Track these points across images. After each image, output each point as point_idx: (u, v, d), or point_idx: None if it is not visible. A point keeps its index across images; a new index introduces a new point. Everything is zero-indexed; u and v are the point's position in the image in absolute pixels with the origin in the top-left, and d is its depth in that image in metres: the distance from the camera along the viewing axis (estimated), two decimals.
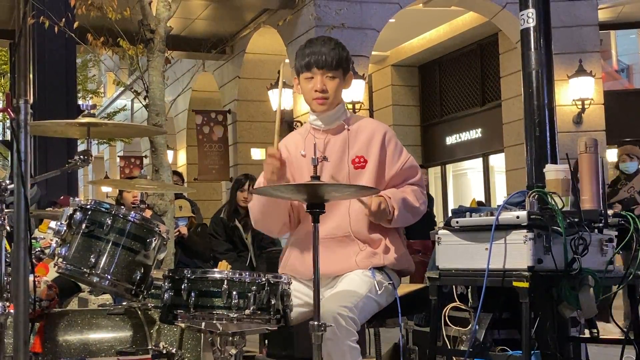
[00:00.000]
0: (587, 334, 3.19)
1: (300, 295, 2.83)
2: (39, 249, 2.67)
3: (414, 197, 2.91)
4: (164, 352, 3.00)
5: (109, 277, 2.61)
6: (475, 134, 13.47)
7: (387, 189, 2.94)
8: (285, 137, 3.17)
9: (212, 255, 6.05)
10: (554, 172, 2.87)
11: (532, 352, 2.67)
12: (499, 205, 2.80)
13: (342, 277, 2.85)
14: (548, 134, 3.50)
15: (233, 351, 2.48)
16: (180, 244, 6.35)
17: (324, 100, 2.93)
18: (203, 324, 2.50)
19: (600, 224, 2.78)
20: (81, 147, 2.92)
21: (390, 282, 2.84)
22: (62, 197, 6.31)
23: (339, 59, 2.92)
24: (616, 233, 2.87)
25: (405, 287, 3.07)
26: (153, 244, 2.69)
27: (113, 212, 2.66)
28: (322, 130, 2.99)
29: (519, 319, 2.63)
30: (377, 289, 2.77)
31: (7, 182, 2.47)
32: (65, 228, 2.62)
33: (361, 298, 2.70)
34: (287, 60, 10.95)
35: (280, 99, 3.08)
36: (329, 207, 2.86)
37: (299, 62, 2.95)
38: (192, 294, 2.40)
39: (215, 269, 2.64)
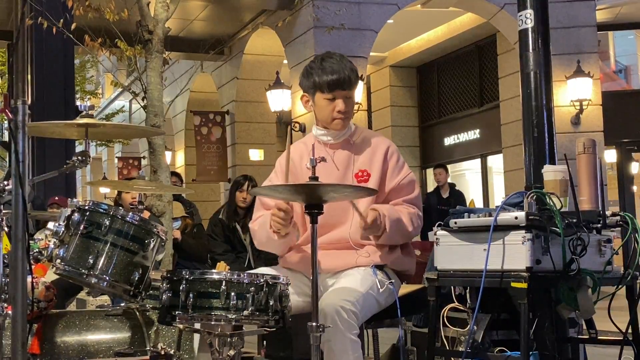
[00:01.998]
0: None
1: (298, 283, 2.85)
2: (37, 250, 2.67)
3: (408, 220, 2.90)
4: (162, 353, 3.00)
5: (107, 278, 2.61)
6: (473, 134, 13.48)
7: (384, 202, 2.94)
8: (288, 149, 3.17)
9: (210, 256, 6.04)
10: (552, 173, 2.87)
11: (531, 352, 2.67)
12: (497, 206, 2.80)
13: (343, 273, 2.86)
14: (546, 134, 3.50)
15: (231, 352, 2.48)
16: (175, 247, 6.34)
17: (346, 121, 2.96)
18: (201, 325, 2.50)
19: (599, 225, 2.78)
20: (79, 148, 2.93)
21: (391, 281, 2.85)
22: (57, 198, 6.31)
23: (356, 78, 2.94)
24: (614, 234, 2.88)
25: (404, 288, 3.07)
26: (151, 245, 2.69)
27: (111, 213, 2.66)
28: (328, 144, 3.00)
29: (518, 319, 2.63)
30: (379, 287, 2.78)
31: (5, 182, 2.47)
32: (63, 229, 2.62)
33: (362, 294, 2.71)
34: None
35: (287, 167, 2.89)
36: (332, 219, 2.87)
37: (316, 79, 2.90)
38: (190, 295, 2.40)
39: (213, 270, 2.63)
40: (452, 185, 10.92)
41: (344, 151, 2.98)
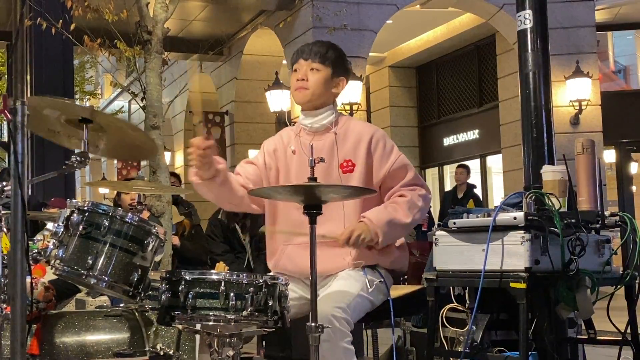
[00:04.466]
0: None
1: (293, 288, 2.83)
2: (36, 250, 2.66)
3: (404, 212, 2.82)
4: (162, 353, 3.00)
5: (107, 278, 2.60)
6: (472, 135, 13.48)
7: (381, 192, 2.91)
8: (281, 130, 3.17)
9: (209, 256, 6.03)
10: (551, 173, 2.88)
11: (530, 353, 2.67)
12: (496, 206, 2.80)
13: (334, 277, 2.85)
14: (545, 135, 3.50)
15: (230, 353, 2.48)
16: (175, 252, 6.28)
17: (303, 90, 2.90)
18: (200, 325, 2.50)
19: (598, 225, 2.79)
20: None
21: (382, 280, 2.83)
22: (52, 199, 6.30)
23: (326, 53, 2.90)
24: (613, 234, 2.88)
25: (403, 288, 3.07)
26: (150, 246, 2.69)
27: (110, 213, 2.65)
28: (309, 132, 2.96)
29: (517, 320, 2.63)
30: (369, 287, 2.76)
31: (4, 183, 2.47)
32: (62, 230, 2.62)
33: (354, 297, 2.70)
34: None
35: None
36: (322, 216, 2.84)
37: (292, 61, 2.98)
38: (190, 295, 2.40)
39: (212, 271, 2.63)
40: (469, 187, 10.70)
41: (326, 140, 2.92)
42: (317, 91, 2.91)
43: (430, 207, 10.38)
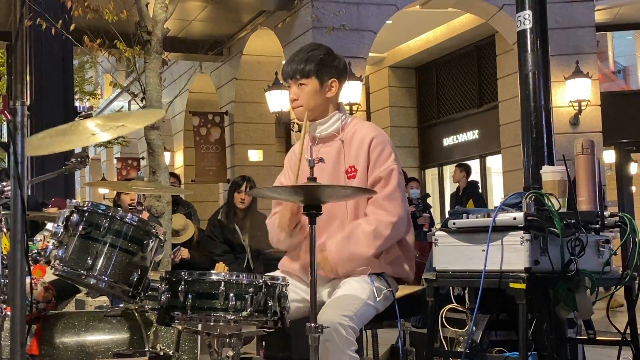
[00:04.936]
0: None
1: (297, 290, 2.85)
2: (35, 250, 2.67)
3: (367, 243, 2.79)
4: (161, 354, 3.00)
5: (106, 279, 2.61)
6: (472, 135, 13.48)
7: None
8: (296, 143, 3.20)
9: (209, 257, 5.98)
10: (550, 174, 2.88)
11: (529, 353, 2.67)
12: (496, 207, 2.80)
13: (341, 282, 2.84)
14: (545, 135, 3.50)
15: (230, 353, 2.48)
16: (180, 263, 6.06)
17: (299, 108, 2.94)
18: (200, 325, 2.50)
19: (597, 225, 2.79)
20: (78, 149, 2.92)
21: (389, 289, 2.83)
22: (52, 199, 6.28)
23: (305, 67, 2.90)
24: (613, 234, 2.88)
25: (403, 289, 3.06)
26: (150, 246, 2.69)
27: (110, 214, 2.65)
28: (318, 139, 2.98)
29: (516, 320, 2.63)
30: (376, 295, 2.76)
31: (4, 183, 2.48)
32: (62, 230, 2.62)
33: (361, 305, 2.69)
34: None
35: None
36: (327, 221, 2.85)
37: None
38: (189, 295, 2.40)
39: (212, 271, 2.63)
40: (469, 185, 10.63)
41: (334, 147, 2.94)
42: (310, 105, 2.93)
43: (431, 206, 10.44)
